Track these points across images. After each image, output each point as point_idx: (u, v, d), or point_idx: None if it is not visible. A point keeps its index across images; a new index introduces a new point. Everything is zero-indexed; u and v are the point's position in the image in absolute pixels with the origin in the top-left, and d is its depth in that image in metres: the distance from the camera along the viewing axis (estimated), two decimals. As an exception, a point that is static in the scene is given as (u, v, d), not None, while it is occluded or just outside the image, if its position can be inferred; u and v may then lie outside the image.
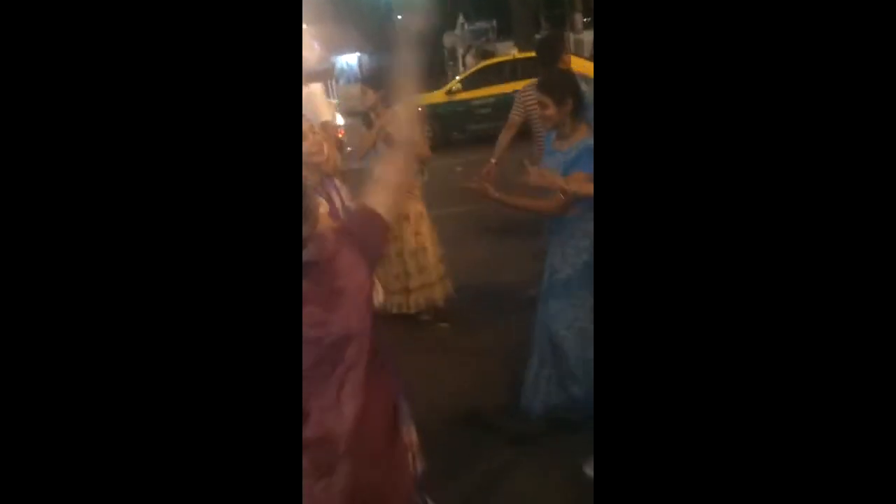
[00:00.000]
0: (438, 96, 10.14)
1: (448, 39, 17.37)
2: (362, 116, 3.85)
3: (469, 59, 14.98)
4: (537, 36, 9.70)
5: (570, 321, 2.36)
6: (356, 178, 2.40)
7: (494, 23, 17.95)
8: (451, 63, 17.10)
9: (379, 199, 1.43)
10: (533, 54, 7.89)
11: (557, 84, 2.39)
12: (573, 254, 2.35)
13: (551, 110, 2.34)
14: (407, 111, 1.63)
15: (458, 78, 10.44)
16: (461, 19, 16.30)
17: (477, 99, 10.00)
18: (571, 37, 12.57)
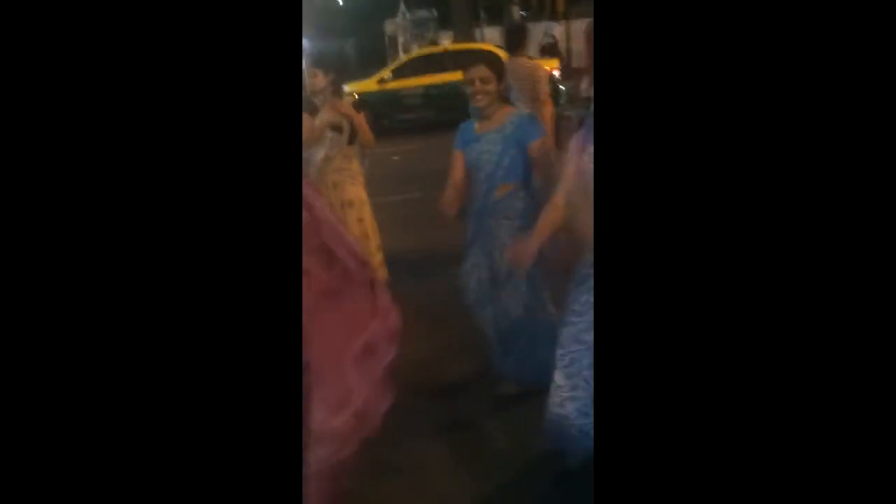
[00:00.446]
0: (370, 85, 10.32)
1: (390, 27, 17.20)
2: (305, 103, 3.72)
3: (413, 48, 15.13)
4: (491, 27, 10.99)
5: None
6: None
7: (435, 12, 17.81)
8: (391, 51, 17.05)
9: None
10: (466, 46, 10.06)
11: (498, 60, 2.65)
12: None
13: (492, 85, 2.51)
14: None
15: (388, 67, 10.73)
16: (402, 7, 16.51)
17: (406, 89, 10.26)
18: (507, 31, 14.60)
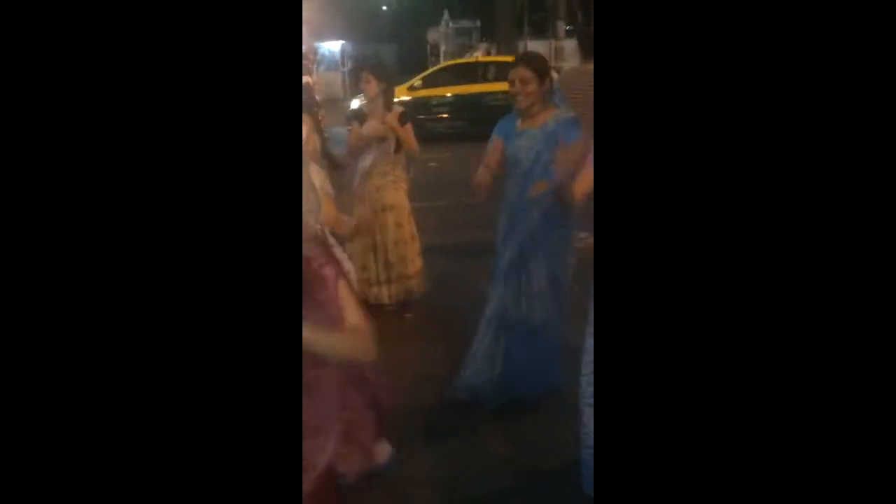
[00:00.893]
0: (400, 91, 10.26)
1: (432, 35, 17.18)
2: (351, 111, 3.98)
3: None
4: (534, 39, 11.04)
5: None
6: (342, 174, 2.88)
7: (478, 23, 17.82)
8: (432, 59, 17.14)
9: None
10: (501, 58, 9.90)
11: (540, 62, 2.56)
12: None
13: (533, 86, 2.47)
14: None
15: (419, 75, 10.76)
16: (446, 16, 16.42)
17: (435, 97, 10.24)
18: (553, 44, 13.24)
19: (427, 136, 9.62)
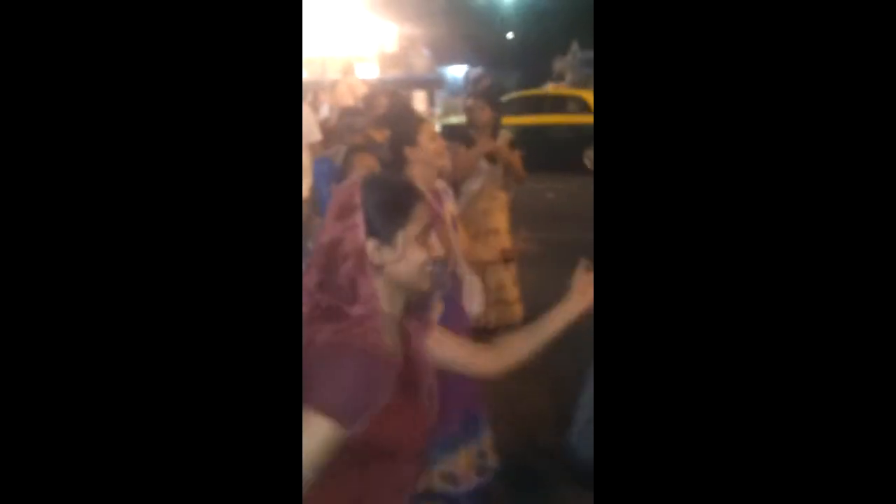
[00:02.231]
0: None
1: (557, 65, 16.79)
2: (461, 134, 3.81)
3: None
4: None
5: None
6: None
7: None
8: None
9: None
10: (569, 91, 9.91)
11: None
12: None
13: None
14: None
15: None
16: (574, 47, 16.03)
17: (503, 127, 11.01)
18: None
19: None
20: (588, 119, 10.20)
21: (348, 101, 6.02)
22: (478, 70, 16.86)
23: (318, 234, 1.20)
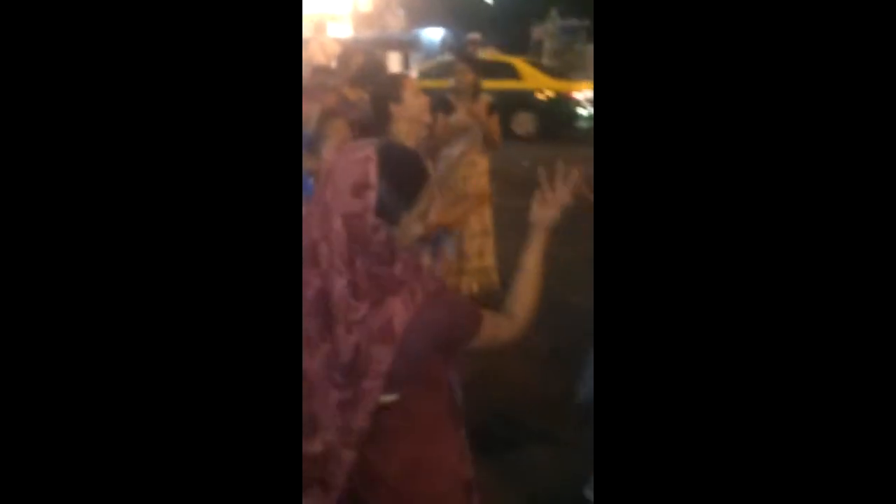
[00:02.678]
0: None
1: (536, 32, 16.57)
2: (439, 98, 3.54)
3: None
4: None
5: None
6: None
7: (588, 23, 16.71)
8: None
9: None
10: (501, 58, 10.10)
11: None
12: None
13: None
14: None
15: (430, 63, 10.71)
16: (554, 13, 15.87)
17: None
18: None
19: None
20: (517, 85, 9.98)
21: (320, 59, 5.83)
22: (452, 33, 16.51)
23: (326, 210, 1.17)
